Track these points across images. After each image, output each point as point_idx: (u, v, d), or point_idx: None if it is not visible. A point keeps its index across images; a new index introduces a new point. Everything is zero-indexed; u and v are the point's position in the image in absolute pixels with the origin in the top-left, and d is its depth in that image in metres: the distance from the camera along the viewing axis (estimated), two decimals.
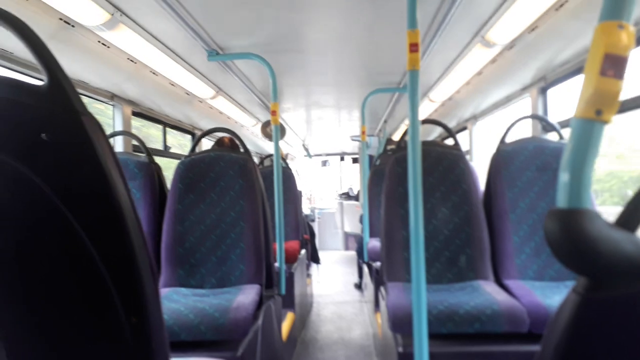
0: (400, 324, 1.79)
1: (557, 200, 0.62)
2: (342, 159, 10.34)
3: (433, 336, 1.63)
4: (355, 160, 9.89)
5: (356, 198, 9.20)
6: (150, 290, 0.86)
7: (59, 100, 0.77)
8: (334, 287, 5.65)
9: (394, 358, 1.85)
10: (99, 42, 2.40)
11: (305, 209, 8.64)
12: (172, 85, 3.38)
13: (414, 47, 1.54)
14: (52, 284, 0.85)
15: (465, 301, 1.82)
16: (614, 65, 0.61)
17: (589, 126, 0.60)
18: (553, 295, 1.88)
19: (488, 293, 1.92)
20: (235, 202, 2.35)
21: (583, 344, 0.62)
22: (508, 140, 2.46)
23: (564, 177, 0.62)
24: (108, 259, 0.83)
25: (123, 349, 0.88)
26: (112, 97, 3.03)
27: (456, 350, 1.72)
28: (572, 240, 0.60)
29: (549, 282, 2.11)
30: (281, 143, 7.35)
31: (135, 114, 3.35)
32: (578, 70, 2.72)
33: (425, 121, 2.62)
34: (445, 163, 2.35)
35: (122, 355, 0.88)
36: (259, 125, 5.65)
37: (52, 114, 0.77)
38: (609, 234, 0.59)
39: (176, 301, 1.98)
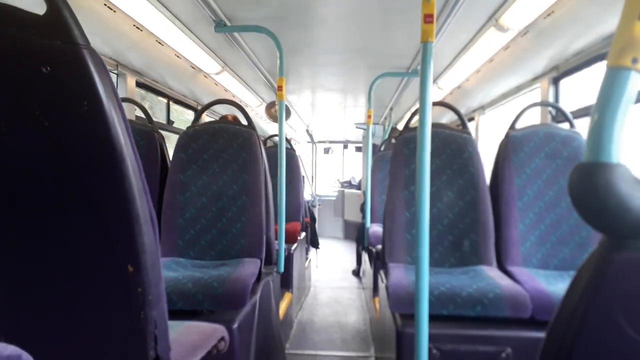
0: (401, 303, 1.76)
1: (584, 154, 0.58)
2: (345, 147, 10.28)
3: (433, 317, 1.60)
4: (358, 149, 9.83)
5: (358, 187, 9.16)
6: (148, 240, 0.82)
7: (59, 31, 0.72)
8: (331, 273, 5.64)
9: (392, 338, 1.82)
10: (104, 4, 2.34)
11: (307, 195, 8.61)
12: (178, 57, 3.32)
13: (428, 18, 1.48)
14: (45, 227, 0.81)
15: (468, 284, 1.79)
16: None
17: (623, 76, 0.56)
18: (557, 283, 1.85)
19: (491, 277, 1.88)
20: (238, 175, 2.31)
21: (603, 304, 0.58)
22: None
23: (592, 129, 0.57)
24: (105, 202, 0.79)
25: (118, 299, 0.84)
26: (117, 66, 2.97)
27: (456, 333, 1.69)
28: (598, 195, 0.56)
29: (553, 271, 2.08)
30: (285, 127, 7.28)
31: (139, 85, 3.29)
32: (592, 60, 2.66)
33: (435, 103, 2.57)
34: (453, 146, 2.31)
35: (117, 305, 0.85)
36: (263, 106, 5.59)
37: (50, 45, 0.73)
38: (638, 191, 0.55)
39: (175, 270, 1.95)
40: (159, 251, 0.89)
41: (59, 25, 0.72)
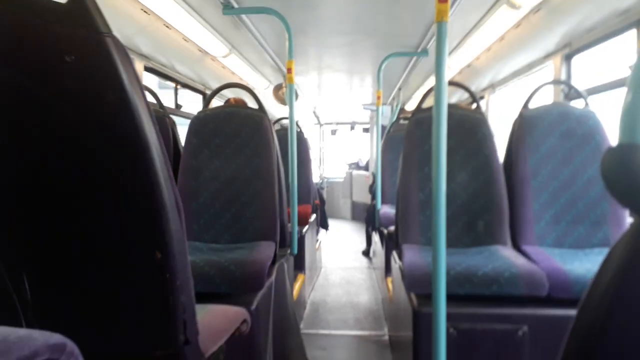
0: (417, 283, 1.77)
1: (618, 136, 0.58)
2: (352, 128, 10.22)
3: (449, 297, 1.61)
4: (365, 130, 9.78)
5: (365, 168, 9.16)
6: (175, 226, 0.83)
7: (82, 19, 0.72)
8: (342, 254, 5.67)
9: (408, 318, 1.84)
10: None
11: (315, 177, 8.63)
12: (185, 40, 3.30)
13: None
14: (75, 216, 0.82)
15: (484, 264, 1.79)
16: None
17: None
18: (573, 261, 1.85)
19: (506, 257, 1.89)
20: (250, 159, 2.31)
21: (636, 284, 0.58)
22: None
23: (625, 111, 0.57)
24: (132, 190, 0.80)
25: (147, 285, 0.86)
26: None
27: (473, 312, 1.70)
28: (632, 176, 0.55)
29: (568, 250, 2.08)
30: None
31: (147, 69, 3.28)
32: (607, 36, 2.62)
33: (449, 83, 2.54)
34: (466, 126, 2.29)
35: (148, 291, 0.86)
36: (271, 89, 5.56)
37: (74, 34, 0.72)
38: None
39: (192, 254, 1.96)
40: (185, 237, 0.90)
41: (82, 13, 0.72)
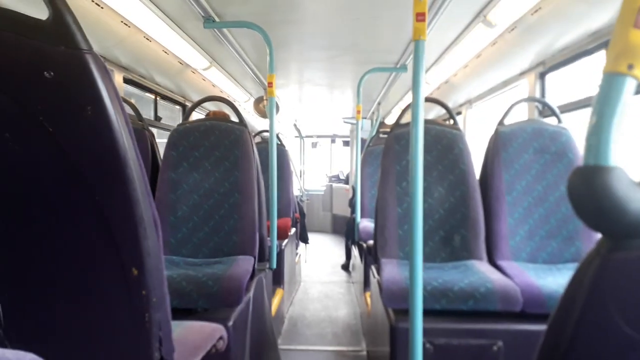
0: (394, 298, 1.79)
1: (583, 158, 0.60)
2: (333, 141, 10.27)
3: (426, 312, 1.63)
4: (346, 143, 9.83)
5: (346, 181, 9.19)
6: (152, 243, 0.82)
7: (62, 36, 0.72)
8: (321, 268, 5.66)
9: (385, 333, 1.85)
10: (92, 1, 2.31)
11: (296, 190, 8.60)
12: (166, 53, 3.29)
13: (420, 17, 1.49)
14: (51, 230, 0.81)
15: (460, 279, 1.82)
16: None
17: (619, 81, 0.58)
18: (546, 276, 1.89)
19: (482, 272, 1.92)
20: (230, 172, 2.31)
21: (600, 302, 0.60)
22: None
23: (590, 133, 0.59)
24: (110, 205, 0.79)
25: (123, 302, 0.85)
26: (104, 62, 2.93)
27: (449, 327, 1.72)
28: (597, 197, 0.58)
29: (542, 265, 2.12)
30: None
31: (126, 81, 3.26)
32: (579, 56, 2.70)
33: (426, 99, 2.59)
34: (444, 142, 2.33)
35: (123, 308, 0.85)
36: (251, 102, 5.56)
37: (54, 50, 0.72)
38: (635, 193, 0.57)
39: (168, 268, 1.94)
40: (161, 253, 0.89)
41: (62, 30, 0.72)
